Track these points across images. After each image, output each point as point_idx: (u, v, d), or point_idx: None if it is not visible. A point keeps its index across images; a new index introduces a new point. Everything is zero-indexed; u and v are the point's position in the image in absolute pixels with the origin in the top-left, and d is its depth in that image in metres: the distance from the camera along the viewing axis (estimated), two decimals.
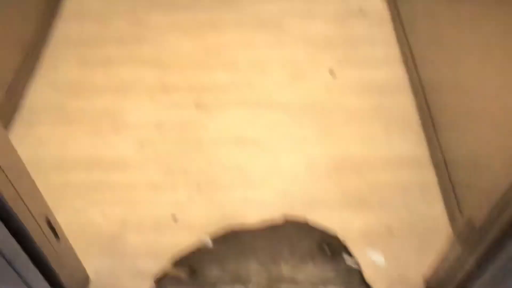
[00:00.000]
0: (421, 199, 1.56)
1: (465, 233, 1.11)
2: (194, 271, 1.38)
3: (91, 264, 1.36)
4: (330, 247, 1.44)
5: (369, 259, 1.42)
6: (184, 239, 1.45)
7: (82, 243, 1.31)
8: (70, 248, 1.21)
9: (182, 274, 1.38)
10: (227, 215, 1.51)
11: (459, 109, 1.51)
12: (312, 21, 2.14)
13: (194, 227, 1.47)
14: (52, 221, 1.07)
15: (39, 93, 1.81)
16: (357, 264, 1.41)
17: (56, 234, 1.10)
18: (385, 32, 2.10)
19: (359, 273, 1.39)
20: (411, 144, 1.72)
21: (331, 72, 1.91)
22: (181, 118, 1.76)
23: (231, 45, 2.02)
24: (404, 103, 1.85)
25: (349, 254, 1.43)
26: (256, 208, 1.53)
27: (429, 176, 1.62)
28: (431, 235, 1.46)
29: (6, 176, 0.87)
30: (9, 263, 0.92)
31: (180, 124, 1.74)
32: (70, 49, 1.96)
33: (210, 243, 1.44)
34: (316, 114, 1.79)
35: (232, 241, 1.45)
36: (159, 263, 1.39)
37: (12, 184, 0.89)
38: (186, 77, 1.89)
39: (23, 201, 0.94)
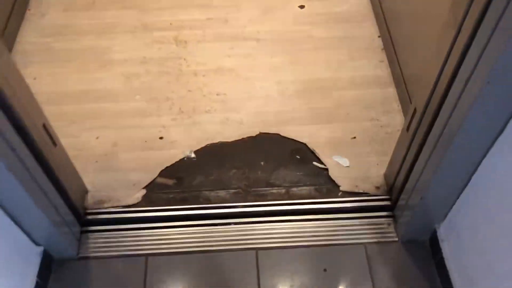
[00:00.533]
0: (382, 111, 1.74)
1: (412, 122, 1.28)
2: (180, 179, 1.56)
3: (88, 179, 1.53)
4: (300, 154, 1.62)
5: (335, 162, 1.60)
6: (170, 155, 1.61)
7: (78, 163, 1.47)
8: (67, 158, 1.36)
9: (170, 182, 1.55)
10: (208, 133, 1.67)
11: (413, 33, 1.67)
12: None
13: (178, 145, 1.64)
14: (48, 129, 1.23)
15: (29, 37, 1.94)
16: (325, 166, 1.59)
17: (53, 141, 1.25)
18: None
19: (326, 174, 1.57)
20: (374, 66, 1.88)
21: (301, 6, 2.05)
22: (162, 53, 1.90)
23: None
24: (368, 31, 2.00)
25: (318, 159, 1.61)
26: (233, 127, 1.70)
27: (390, 92, 1.79)
28: (391, 142, 1.63)
29: (14, 89, 1.02)
30: (27, 170, 1.08)
31: (161, 59, 1.88)
32: None
33: (193, 156, 1.61)
34: (286, 44, 1.94)
35: (213, 154, 1.62)
36: (148, 175, 1.56)
37: (17, 94, 1.04)
38: (164, 17, 2.02)
39: (27, 109, 1.09)
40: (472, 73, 0.95)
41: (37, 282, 1.28)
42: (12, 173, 1.02)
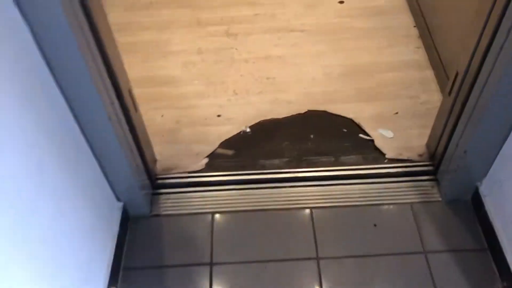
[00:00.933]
0: (422, 90, 1.87)
1: (453, 86, 1.41)
2: (238, 150, 1.72)
3: (156, 150, 1.70)
4: (347, 128, 1.76)
5: (380, 134, 1.73)
6: (227, 130, 1.78)
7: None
8: (144, 125, 1.54)
9: (229, 152, 1.71)
10: (260, 111, 1.84)
11: (447, 20, 1.81)
12: None
13: (234, 121, 1.81)
14: (132, 95, 1.41)
15: None
16: (370, 138, 1.72)
17: (135, 106, 1.44)
18: None
19: (372, 144, 1.71)
20: (412, 52, 2.02)
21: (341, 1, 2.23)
22: (216, 44, 2.09)
23: None
24: (404, 22, 2.15)
25: (363, 132, 1.75)
26: (284, 106, 1.86)
27: (428, 74, 1.93)
28: (431, 117, 1.76)
29: (114, 56, 1.21)
30: (121, 124, 1.26)
31: (215, 49, 2.07)
32: None
33: (249, 130, 1.77)
34: (329, 34, 2.11)
35: (266, 129, 1.78)
36: (210, 146, 1.73)
37: (116, 61, 1.23)
38: (217, 14, 2.22)
39: (121, 74, 1.28)
40: (507, 37, 1.09)
41: (118, 234, 1.44)
42: (111, 124, 1.20)
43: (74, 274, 1.14)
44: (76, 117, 1.16)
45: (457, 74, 1.38)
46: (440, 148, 1.56)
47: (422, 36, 2.07)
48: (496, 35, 1.17)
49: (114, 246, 1.41)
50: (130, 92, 1.39)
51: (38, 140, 0.99)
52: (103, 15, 1.17)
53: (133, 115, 1.40)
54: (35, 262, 0.94)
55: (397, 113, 1.80)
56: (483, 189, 1.46)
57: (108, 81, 1.20)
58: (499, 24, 1.14)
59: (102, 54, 1.16)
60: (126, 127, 1.34)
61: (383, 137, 1.72)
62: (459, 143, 1.40)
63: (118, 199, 1.48)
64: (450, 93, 1.43)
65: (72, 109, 1.14)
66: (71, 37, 0.98)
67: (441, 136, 1.54)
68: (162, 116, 1.83)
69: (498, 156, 1.35)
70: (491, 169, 1.40)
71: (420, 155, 1.66)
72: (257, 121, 1.81)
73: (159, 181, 1.63)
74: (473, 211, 1.51)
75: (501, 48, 1.14)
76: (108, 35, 1.20)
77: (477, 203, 1.49)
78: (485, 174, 1.44)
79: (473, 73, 1.29)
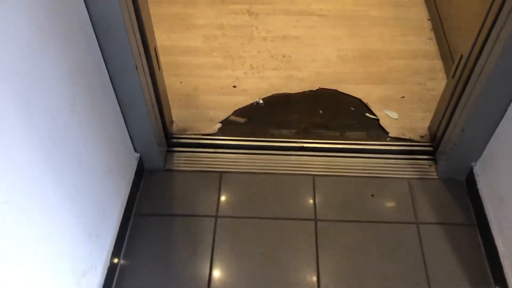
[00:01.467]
0: (429, 78, 1.96)
1: (457, 69, 1.50)
2: (250, 118, 1.82)
3: (174, 112, 1.81)
4: (355, 107, 1.86)
5: (385, 114, 1.83)
6: (241, 100, 1.89)
7: None
8: (164, 84, 1.65)
9: (241, 120, 1.82)
10: (274, 86, 1.94)
11: (459, 13, 1.89)
12: None
13: (249, 92, 1.91)
14: (157, 52, 1.53)
15: None
16: (376, 117, 1.82)
17: (158, 64, 1.55)
18: None
19: (377, 123, 1.80)
20: (423, 43, 2.11)
21: None
22: (237, 21, 2.20)
23: None
24: (419, 14, 2.24)
25: (370, 111, 1.84)
26: (297, 82, 1.96)
27: (437, 64, 2.02)
28: (436, 102, 1.84)
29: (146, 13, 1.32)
30: (145, 76, 1.38)
31: (236, 26, 2.18)
32: None
33: (261, 102, 1.88)
34: (346, 21, 2.21)
35: (279, 101, 1.89)
36: (224, 113, 1.84)
37: (146, 19, 1.34)
38: None
39: (150, 31, 1.39)
40: (503, 25, 1.19)
41: (133, 181, 1.56)
42: (138, 73, 1.31)
43: (94, 204, 1.25)
44: (106, 63, 1.28)
45: (461, 57, 1.47)
46: (441, 130, 1.65)
47: (434, 28, 2.16)
48: (496, 21, 1.26)
49: (128, 192, 1.52)
50: (155, 49, 1.50)
51: (75, 78, 1.10)
52: None
53: (156, 72, 1.52)
54: (64, 185, 1.06)
55: (403, 97, 1.89)
56: (477, 169, 1.55)
57: (138, 34, 1.31)
58: (500, 10, 1.24)
59: (136, 11, 1.27)
60: (149, 80, 1.45)
61: (388, 117, 1.82)
62: (458, 122, 1.49)
63: (136, 150, 1.60)
64: (454, 75, 1.52)
65: (104, 55, 1.25)
66: None
67: (442, 117, 1.63)
68: (181, 82, 1.95)
69: (493, 137, 1.44)
70: (486, 150, 1.49)
71: (421, 136, 1.75)
72: (270, 94, 1.91)
73: (174, 140, 1.74)
74: (466, 190, 1.60)
75: (498, 34, 1.24)
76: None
77: (470, 182, 1.58)
78: (479, 155, 1.53)
79: (475, 56, 1.38)
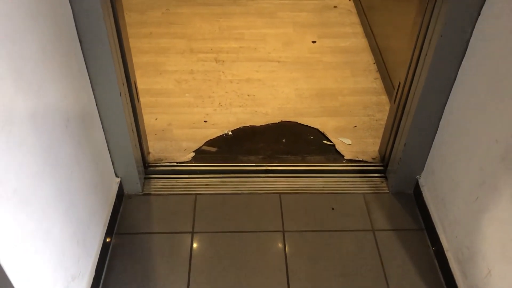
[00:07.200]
0: (377, 110, 2.23)
1: (397, 94, 1.77)
2: (220, 148, 2.01)
3: (150, 144, 1.98)
4: (313, 136, 2.09)
5: (340, 141, 2.06)
6: (212, 132, 2.08)
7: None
8: (142, 116, 1.84)
9: (212, 149, 2.00)
10: (241, 120, 2.16)
11: (397, 57, 2.21)
12: (299, 12, 2.91)
13: (219, 126, 2.12)
14: (136, 86, 1.72)
15: None
16: (332, 143, 2.04)
17: (137, 97, 1.74)
18: (352, 19, 2.86)
19: (333, 148, 2.03)
20: (370, 81, 2.41)
21: (313, 41, 2.64)
22: (206, 67, 2.45)
23: (239, 27, 2.76)
24: (366, 59, 2.56)
25: (327, 138, 2.07)
26: (261, 117, 2.18)
27: (383, 99, 2.30)
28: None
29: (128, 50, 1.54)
30: (133, 108, 1.56)
31: (205, 71, 2.42)
32: None
33: (230, 133, 2.08)
34: (302, 65, 2.49)
35: (246, 133, 2.09)
36: (196, 144, 2.02)
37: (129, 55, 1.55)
38: (207, 44, 2.60)
39: (131, 67, 1.59)
40: (424, 59, 1.48)
41: (114, 203, 1.68)
42: (121, 100, 1.49)
43: (81, 214, 1.38)
44: (94, 90, 1.46)
45: (399, 84, 1.74)
46: (388, 150, 1.88)
47: (379, 70, 2.47)
48: (421, 52, 1.54)
49: (110, 211, 1.65)
50: (135, 83, 1.70)
51: (69, 100, 1.28)
52: (124, 22, 1.50)
53: (136, 103, 1.70)
54: (60, 186, 1.20)
55: (355, 126, 2.14)
56: (422, 181, 1.77)
57: (122, 66, 1.51)
58: (422, 44, 1.52)
59: (120, 46, 1.48)
60: (131, 109, 1.63)
61: (343, 143, 2.05)
62: (401, 140, 1.73)
63: (116, 175, 1.74)
64: (395, 101, 1.78)
65: (92, 83, 1.44)
66: (102, 25, 1.30)
67: (388, 139, 1.87)
68: (156, 119, 2.13)
69: (431, 150, 1.68)
70: (427, 162, 1.73)
71: (373, 158, 1.98)
72: (238, 126, 2.12)
73: (151, 168, 1.90)
74: (413, 200, 1.81)
75: (423, 61, 1.52)
76: (126, 38, 1.53)
77: (417, 193, 1.79)
78: (422, 167, 1.76)
79: (409, 81, 1.65)
